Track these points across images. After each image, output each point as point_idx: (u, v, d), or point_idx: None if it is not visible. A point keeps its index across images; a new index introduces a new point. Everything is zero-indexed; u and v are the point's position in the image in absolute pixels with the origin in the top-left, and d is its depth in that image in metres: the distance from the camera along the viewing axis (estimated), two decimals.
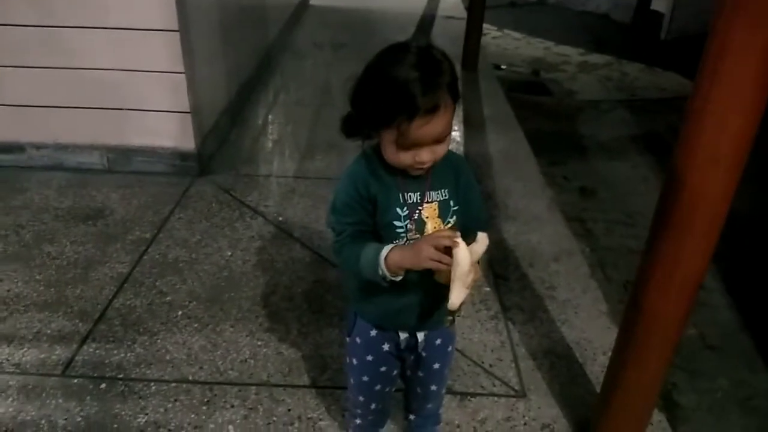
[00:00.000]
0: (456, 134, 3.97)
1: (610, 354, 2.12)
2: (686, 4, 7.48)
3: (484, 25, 5.32)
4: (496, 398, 1.97)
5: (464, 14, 6.24)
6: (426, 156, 1.16)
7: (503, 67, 6.44)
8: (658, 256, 1.45)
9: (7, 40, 2.98)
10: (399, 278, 1.20)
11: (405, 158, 1.17)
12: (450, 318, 1.24)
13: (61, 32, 2.95)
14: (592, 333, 2.29)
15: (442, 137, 1.17)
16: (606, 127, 5.21)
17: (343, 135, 1.27)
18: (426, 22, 6.87)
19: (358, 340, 1.44)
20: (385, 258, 1.17)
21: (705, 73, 1.26)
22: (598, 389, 2.01)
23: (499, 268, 2.63)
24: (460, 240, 1.14)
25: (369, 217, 1.26)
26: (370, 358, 1.44)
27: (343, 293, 2.30)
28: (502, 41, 7.65)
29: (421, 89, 1.09)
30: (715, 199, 1.33)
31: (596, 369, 2.11)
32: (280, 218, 2.92)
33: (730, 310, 2.99)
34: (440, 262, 1.14)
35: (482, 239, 1.19)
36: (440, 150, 1.18)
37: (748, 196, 1.93)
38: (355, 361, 1.48)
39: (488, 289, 2.49)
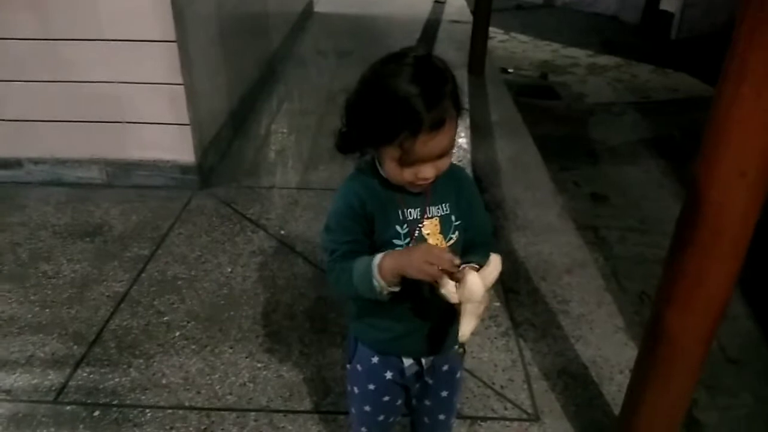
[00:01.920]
0: (463, 141, 3.87)
1: (627, 373, 2.03)
2: (696, 3, 7.37)
3: (491, 29, 5.22)
4: (507, 422, 1.87)
5: (470, 18, 6.15)
6: (429, 172, 1.08)
7: (510, 70, 6.34)
8: (680, 276, 1.35)
9: (3, 54, 2.92)
10: (397, 289, 1.10)
11: (407, 175, 1.09)
12: (461, 350, 1.14)
13: (58, 45, 2.89)
14: (608, 350, 2.18)
15: (446, 152, 1.09)
16: (617, 131, 5.10)
17: (338, 151, 1.19)
18: (431, 27, 6.79)
19: (359, 367, 1.35)
20: (379, 265, 1.08)
21: (729, 76, 1.15)
22: (615, 411, 1.91)
23: (509, 281, 2.53)
24: (470, 270, 1.04)
25: (365, 236, 1.17)
26: (372, 386, 1.35)
27: (345, 314, 2.21)
28: (509, 44, 7.55)
29: (424, 104, 1.00)
30: (741, 215, 1.22)
31: (613, 389, 2.00)
32: (282, 232, 2.84)
33: (750, 320, 2.87)
34: (429, 275, 1.04)
35: (495, 262, 1.07)
36: (443, 164, 1.10)
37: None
38: (356, 390, 1.38)
39: (498, 303, 2.39)
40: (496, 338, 2.20)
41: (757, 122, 1.13)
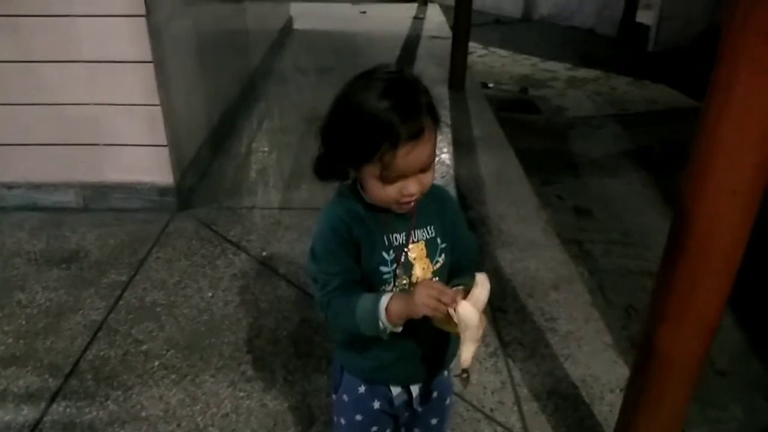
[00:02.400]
0: (445, 156, 3.85)
1: (618, 392, 2.01)
2: (672, 16, 7.49)
3: (470, 44, 5.24)
4: None
5: (449, 34, 6.17)
6: (413, 187, 1.05)
7: (491, 85, 6.37)
8: (671, 295, 1.32)
9: None
10: (399, 329, 1.07)
11: (391, 193, 1.05)
12: (464, 375, 1.12)
13: (33, 67, 2.82)
14: (597, 368, 2.15)
15: (428, 164, 1.06)
16: (598, 143, 5.13)
17: (318, 177, 1.15)
18: (411, 43, 6.81)
19: (345, 397, 1.30)
20: (387, 309, 1.04)
21: (716, 89, 1.13)
22: (606, 431, 1.88)
23: (496, 300, 2.50)
24: (460, 300, 1.02)
25: (355, 263, 1.13)
26: (359, 417, 1.30)
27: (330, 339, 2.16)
28: (488, 59, 7.60)
29: (399, 116, 0.99)
30: (732, 232, 1.20)
31: (604, 409, 1.97)
32: (264, 253, 2.79)
33: (737, 331, 2.86)
34: (437, 309, 1.02)
35: (482, 282, 1.06)
36: (427, 180, 1.07)
37: None
38: (343, 421, 1.33)
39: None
40: (484, 359, 2.16)
41: (746, 138, 1.12)
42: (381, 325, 1.05)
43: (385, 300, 1.05)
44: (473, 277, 1.07)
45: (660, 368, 1.42)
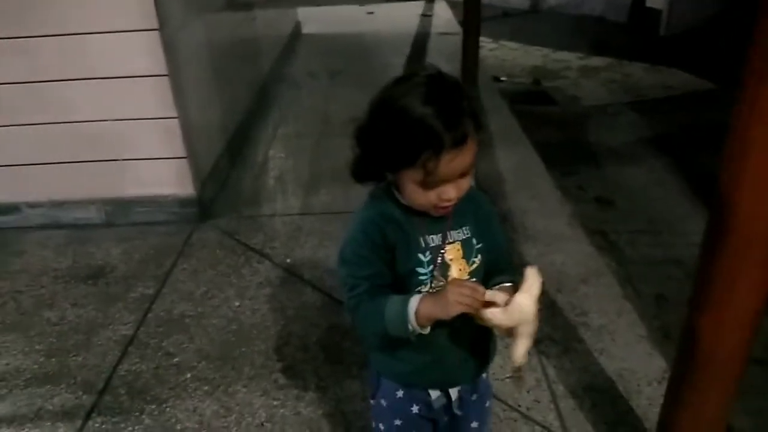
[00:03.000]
0: None
1: (655, 385, 1.98)
2: None
3: (480, 38, 5.20)
4: None
5: (458, 29, 6.14)
6: (452, 192, 1.05)
7: (503, 78, 6.32)
8: (711, 291, 1.29)
9: None
10: (427, 331, 1.07)
11: (430, 197, 1.05)
12: (519, 374, 1.11)
13: (49, 87, 2.85)
14: (633, 362, 2.11)
15: (468, 170, 1.05)
16: (616, 132, 5.06)
17: (354, 180, 1.15)
18: (420, 41, 6.78)
19: (383, 402, 1.29)
20: (416, 311, 1.04)
21: (751, 75, 1.10)
22: (647, 426, 1.85)
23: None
24: (505, 292, 1.03)
25: (386, 268, 1.12)
26: (398, 422, 1.28)
27: (361, 348, 2.14)
28: (499, 52, 7.54)
29: (443, 122, 0.98)
30: None
31: (643, 402, 1.93)
32: (288, 260, 2.78)
33: None
34: (471, 305, 1.02)
35: (533, 275, 1.05)
36: (465, 185, 1.07)
37: None
38: (381, 427, 1.32)
39: None
40: None
41: None
42: (410, 327, 1.05)
43: (414, 302, 1.05)
44: (513, 276, 1.07)
45: (702, 364, 1.39)
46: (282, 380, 2.09)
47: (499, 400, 1.95)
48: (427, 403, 1.25)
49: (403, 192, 1.09)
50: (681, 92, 5.86)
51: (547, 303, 2.44)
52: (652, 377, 2.03)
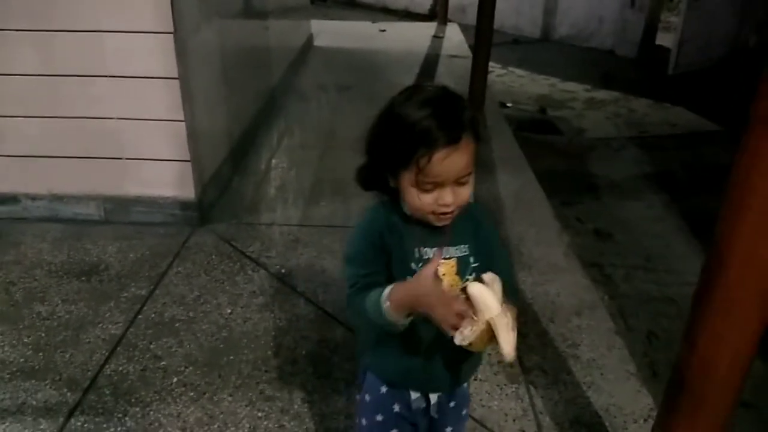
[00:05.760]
0: None
1: (641, 422, 1.97)
2: (692, 39, 7.45)
3: (489, 63, 5.24)
4: None
5: (468, 53, 6.20)
6: (449, 197, 1.08)
7: (509, 105, 6.37)
8: (703, 338, 1.29)
9: (6, 89, 2.89)
10: (406, 322, 1.08)
11: (427, 201, 1.08)
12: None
13: (60, 81, 2.87)
14: (621, 398, 2.10)
15: (464, 175, 1.08)
16: (618, 166, 5.09)
17: (360, 187, 1.20)
18: (431, 61, 6.84)
19: (367, 397, 1.33)
20: (389, 294, 1.07)
21: (756, 121, 1.11)
22: None
23: (517, 323, 2.46)
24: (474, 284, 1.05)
25: (385, 269, 1.17)
26: (379, 418, 1.32)
27: (356, 351, 2.14)
28: (506, 79, 7.61)
29: (438, 121, 1.03)
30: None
31: None
32: (283, 270, 2.78)
33: (761, 360, 2.80)
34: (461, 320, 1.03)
35: (489, 277, 1.07)
36: (463, 193, 1.10)
37: None
38: (364, 422, 1.35)
39: None
40: (506, 385, 2.12)
41: None
42: (384, 311, 1.07)
43: (388, 288, 1.09)
44: (515, 301, 1.09)
45: (692, 405, 1.39)
46: (268, 391, 2.08)
47: (485, 427, 1.94)
48: (407, 404, 1.30)
49: (404, 198, 1.12)
50: (685, 131, 5.90)
51: (538, 333, 2.43)
52: (638, 414, 2.02)
